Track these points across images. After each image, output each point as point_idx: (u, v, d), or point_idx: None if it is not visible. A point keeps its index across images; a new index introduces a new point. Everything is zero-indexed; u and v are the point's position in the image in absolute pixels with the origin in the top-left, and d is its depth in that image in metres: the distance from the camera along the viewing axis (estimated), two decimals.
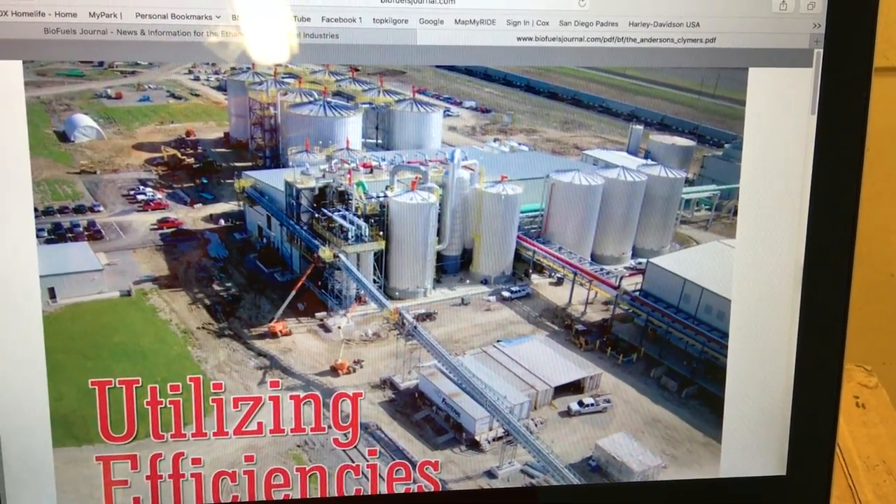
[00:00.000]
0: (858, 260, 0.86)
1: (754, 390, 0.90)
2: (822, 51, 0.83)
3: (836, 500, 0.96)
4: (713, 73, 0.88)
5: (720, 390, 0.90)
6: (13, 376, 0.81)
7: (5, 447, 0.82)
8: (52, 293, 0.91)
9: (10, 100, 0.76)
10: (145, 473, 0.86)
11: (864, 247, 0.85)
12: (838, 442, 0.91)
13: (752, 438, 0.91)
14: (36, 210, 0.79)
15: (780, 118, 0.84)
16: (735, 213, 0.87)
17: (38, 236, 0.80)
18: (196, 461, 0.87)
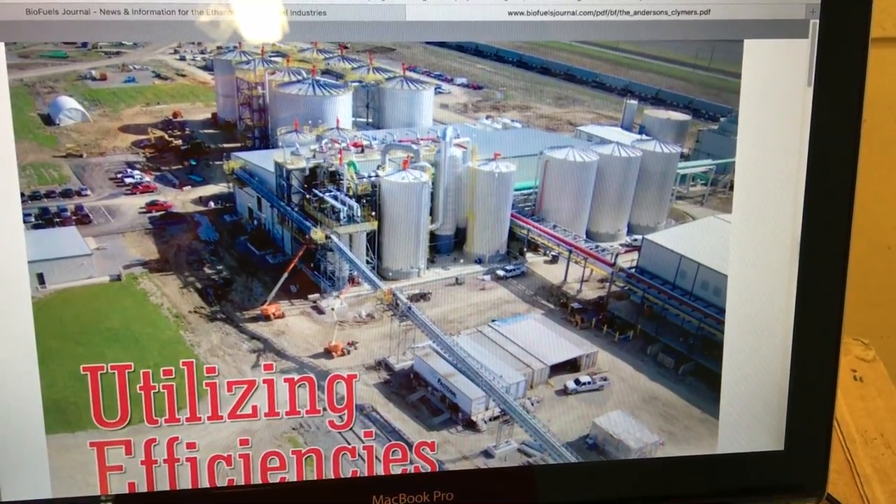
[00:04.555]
0: (855, 233, 0.85)
1: (751, 366, 0.90)
2: (818, 21, 0.82)
3: (835, 473, 0.96)
4: (708, 45, 0.87)
5: (717, 366, 0.90)
6: (4, 363, 0.80)
7: None
8: (41, 279, 0.90)
9: None
10: (140, 459, 0.85)
11: (861, 220, 0.85)
12: (836, 416, 0.91)
13: (750, 414, 0.91)
14: (22, 195, 0.78)
15: (776, 90, 0.84)
16: (731, 188, 0.87)
17: (25, 221, 0.79)
18: (191, 446, 0.86)
